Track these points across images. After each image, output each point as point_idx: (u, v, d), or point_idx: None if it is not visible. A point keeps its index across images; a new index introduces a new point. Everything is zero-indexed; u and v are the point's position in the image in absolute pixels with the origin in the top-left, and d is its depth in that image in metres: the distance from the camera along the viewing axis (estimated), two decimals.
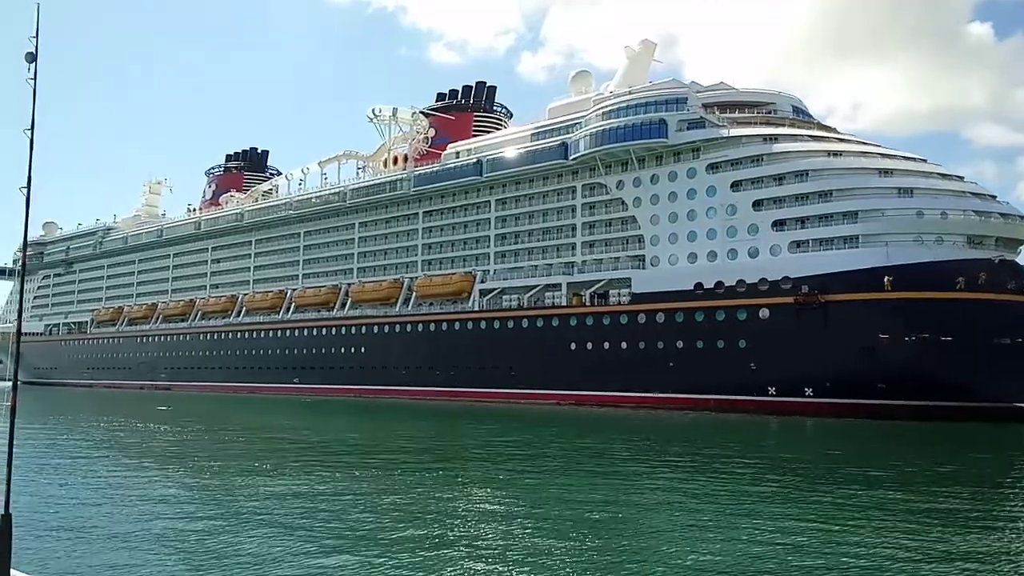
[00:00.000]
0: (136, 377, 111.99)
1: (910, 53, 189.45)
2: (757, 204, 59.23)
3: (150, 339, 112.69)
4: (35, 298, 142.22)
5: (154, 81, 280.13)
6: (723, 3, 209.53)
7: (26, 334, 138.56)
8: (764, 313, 56.45)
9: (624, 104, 66.36)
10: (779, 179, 58.89)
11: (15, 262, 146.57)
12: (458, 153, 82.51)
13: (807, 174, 57.63)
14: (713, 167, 61.92)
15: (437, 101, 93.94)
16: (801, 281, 55.07)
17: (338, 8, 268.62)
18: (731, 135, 61.57)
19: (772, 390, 55.55)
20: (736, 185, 60.50)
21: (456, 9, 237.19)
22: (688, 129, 63.41)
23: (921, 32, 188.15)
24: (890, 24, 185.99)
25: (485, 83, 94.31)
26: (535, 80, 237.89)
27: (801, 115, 66.85)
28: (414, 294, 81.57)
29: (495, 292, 74.65)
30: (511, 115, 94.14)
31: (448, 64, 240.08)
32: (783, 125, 62.96)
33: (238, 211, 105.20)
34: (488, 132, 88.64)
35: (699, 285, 60.14)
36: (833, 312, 53.41)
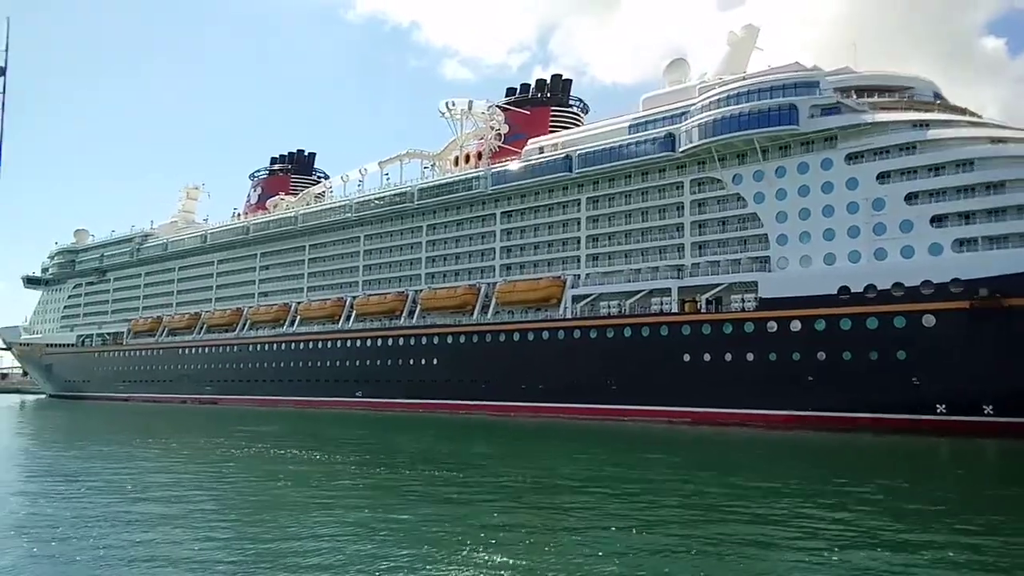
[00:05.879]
0: (177, 390, 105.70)
1: (923, 66, 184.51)
2: (910, 197, 52.60)
3: (194, 350, 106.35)
4: (65, 307, 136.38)
5: (188, 95, 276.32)
6: (731, 16, 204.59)
7: (57, 345, 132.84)
8: (929, 320, 49.67)
9: (745, 89, 59.82)
10: (936, 169, 52.26)
11: (44, 271, 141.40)
12: (542, 148, 76.06)
13: (972, 163, 51.02)
14: (854, 157, 55.35)
15: (507, 96, 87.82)
16: (976, 283, 48.33)
17: (355, 25, 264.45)
18: (875, 121, 54.97)
19: (941, 408, 48.77)
20: (883, 177, 53.89)
21: (472, 26, 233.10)
22: (822, 115, 56.91)
23: (934, 45, 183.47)
24: (903, 37, 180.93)
25: (560, 75, 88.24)
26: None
27: (942, 101, 60.23)
28: (493, 301, 74.98)
29: (590, 298, 67.98)
30: (587, 109, 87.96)
31: (460, 80, 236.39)
32: (930, 110, 56.34)
33: (291, 214, 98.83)
34: (565, 127, 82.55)
35: (844, 289, 53.43)
36: (1018, 318, 46.65)
